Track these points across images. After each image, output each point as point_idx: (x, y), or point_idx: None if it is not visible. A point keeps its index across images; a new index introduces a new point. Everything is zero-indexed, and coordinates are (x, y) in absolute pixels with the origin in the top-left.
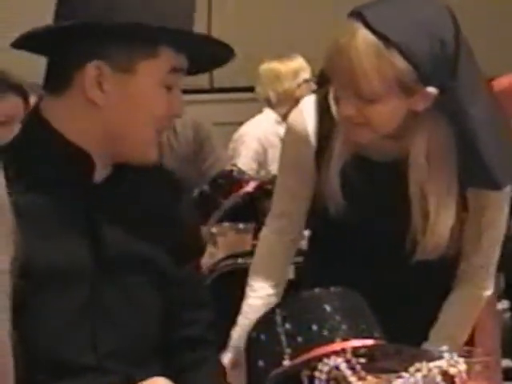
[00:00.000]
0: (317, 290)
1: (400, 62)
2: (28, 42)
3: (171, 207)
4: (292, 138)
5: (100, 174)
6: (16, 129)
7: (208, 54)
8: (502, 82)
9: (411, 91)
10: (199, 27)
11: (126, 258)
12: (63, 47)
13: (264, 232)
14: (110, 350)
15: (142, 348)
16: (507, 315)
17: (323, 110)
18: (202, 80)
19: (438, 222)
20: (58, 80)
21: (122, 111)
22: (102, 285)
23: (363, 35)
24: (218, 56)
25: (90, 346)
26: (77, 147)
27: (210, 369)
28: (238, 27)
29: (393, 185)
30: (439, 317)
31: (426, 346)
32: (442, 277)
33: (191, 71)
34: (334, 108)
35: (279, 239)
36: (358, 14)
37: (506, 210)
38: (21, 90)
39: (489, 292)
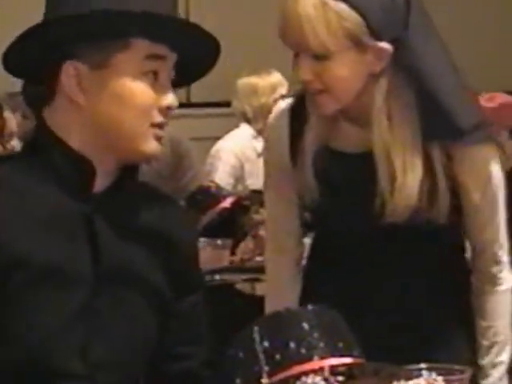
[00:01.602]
0: (294, 307)
1: (347, 13)
2: (11, 56)
3: (175, 235)
4: (271, 140)
5: (101, 183)
6: None
7: (190, 42)
8: (495, 100)
9: (363, 46)
10: None
11: (123, 272)
12: (39, 54)
13: (267, 257)
14: (99, 361)
15: (131, 364)
16: None
17: (297, 110)
18: (178, 94)
19: (405, 182)
20: (47, 87)
21: (107, 107)
22: (98, 294)
23: None
24: (202, 46)
25: (80, 354)
26: (77, 154)
27: None
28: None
29: (364, 175)
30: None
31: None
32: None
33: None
34: (309, 106)
35: (284, 260)
36: None
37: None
38: None
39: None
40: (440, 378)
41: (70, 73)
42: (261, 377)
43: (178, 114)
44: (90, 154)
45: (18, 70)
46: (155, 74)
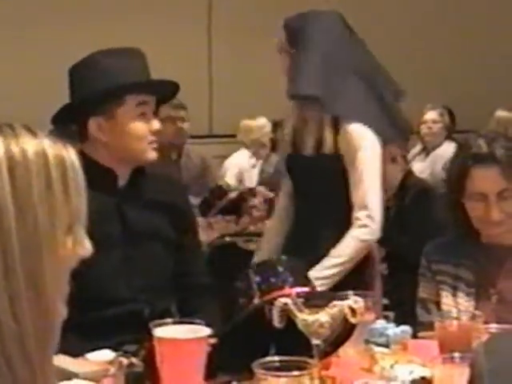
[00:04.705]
0: (274, 257)
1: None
2: (58, 115)
3: (174, 200)
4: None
5: (122, 180)
6: None
7: (163, 89)
8: None
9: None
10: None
11: (144, 231)
12: (74, 116)
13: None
14: (138, 287)
15: (159, 288)
16: (384, 272)
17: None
18: (204, 128)
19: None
20: (81, 134)
21: (120, 140)
22: (131, 248)
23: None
24: (169, 89)
25: (126, 286)
26: (106, 167)
27: (207, 299)
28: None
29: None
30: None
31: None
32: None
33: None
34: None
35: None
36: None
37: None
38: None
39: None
40: (360, 300)
41: (94, 124)
42: (254, 298)
43: (204, 141)
44: (113, 166)
45: (61, 123)
46: (144, 113)
